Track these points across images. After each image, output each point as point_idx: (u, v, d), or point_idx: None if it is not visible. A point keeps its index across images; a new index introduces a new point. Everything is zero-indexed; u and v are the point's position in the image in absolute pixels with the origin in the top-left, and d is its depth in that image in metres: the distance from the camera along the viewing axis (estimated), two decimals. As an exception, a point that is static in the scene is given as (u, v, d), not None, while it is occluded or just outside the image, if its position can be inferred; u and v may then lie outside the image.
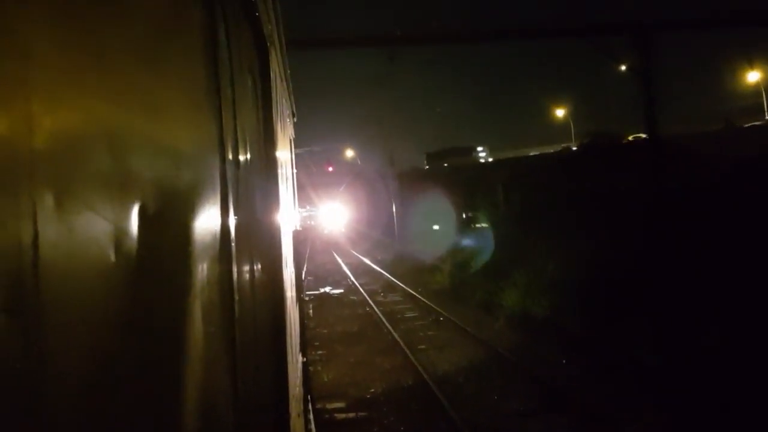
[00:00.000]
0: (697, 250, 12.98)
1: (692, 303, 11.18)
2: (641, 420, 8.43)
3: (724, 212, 13.86)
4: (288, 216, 4.86)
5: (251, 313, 2.24)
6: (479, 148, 64.94)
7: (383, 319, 16.67)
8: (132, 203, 0.92)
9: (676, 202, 16.15)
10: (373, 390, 10.91)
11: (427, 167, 56.07)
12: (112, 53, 0.88)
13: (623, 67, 29.65)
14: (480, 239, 26.95)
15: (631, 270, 13.52)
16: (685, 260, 12.88)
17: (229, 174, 1.82)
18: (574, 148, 41.35)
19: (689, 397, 8.61)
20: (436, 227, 38.26)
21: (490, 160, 54.56)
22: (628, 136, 36.63)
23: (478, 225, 35.23)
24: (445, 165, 51.61)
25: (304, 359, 7.28)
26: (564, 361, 11.29)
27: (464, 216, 39.30)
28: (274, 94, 3.62)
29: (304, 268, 25.96)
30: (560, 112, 52.63)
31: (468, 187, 37.29)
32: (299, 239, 7.11)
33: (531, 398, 9.72)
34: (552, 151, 43.29)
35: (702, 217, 14.20)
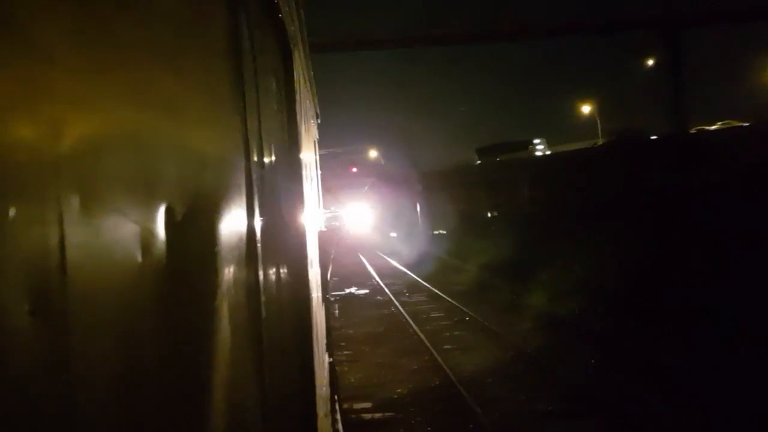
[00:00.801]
0: (727, 249, 12.73)
1: (725, 304, 10.96)
2: (671, 422, 8.29)
3: (756, 210, 13.57)
4: (313, 217, 4.88)
5: (277, 313, 2.25)
6: (536, 141, 58.38)
7: (409, 320, 16.64)
8: (158, 206, 0.92)
9: (705, 200, 15.84)
10: (399, 390, 10.90)
11: (479, 162, 52.47)
12: (136, 56, 0.89)
13: (650, 62, 29.28)
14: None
15: (660, 270, 13.30)
16: (716, 260, 12.63)
17: (254, 175, 1.83)
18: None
19: (721, 399, 8.44)
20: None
21: (548, 153, 50.30)
22: (716, 123, 35.34)
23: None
24: (498, 159, 48.34)
25: (330, 359, 7.31)
26: (593, 362, 11.17)
27: (488, 215, 39.10)
28: (297, 96, 3.64)
29: (329, 269, 26.07)
30: (586, 109, 51.62)
31: (493, 187, 37.06)
32: (324, 240, 7.13)
33: (559, 399, 9.62)
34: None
35: (732, 216, 13.91)
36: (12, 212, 0.54)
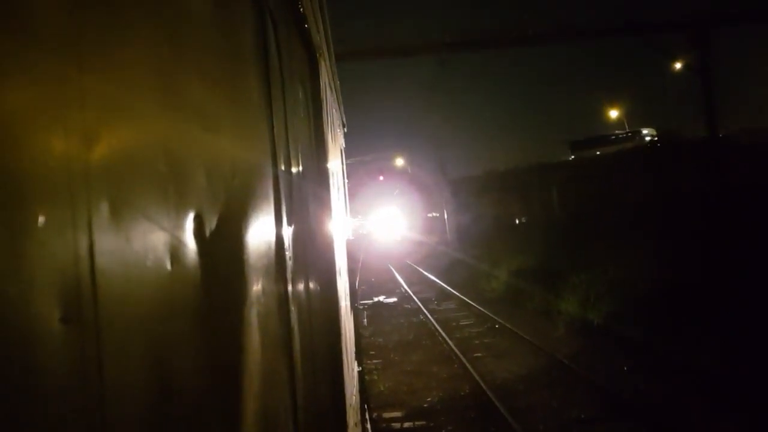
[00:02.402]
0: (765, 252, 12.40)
1: (763, 308, 10.67)
2: (707, 429, 8.08)
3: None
4: (340, 225, 4.88)
5: (307, 322, 2.24)
6: (644, 131, 49.86)
7: (438, 328, 16.56)
8: (187, 213, 0.92)
9: (741, 202, 15.48)
10: (430, 399, 10.84)
11: (573, 157, 46.90)
12: (165, 62, 0.89)
13: (678, 65, 28.82)
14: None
15: (696, 274, 13.01)
16: (753, 263, 12.31)
17: (282, 184, 1.83)
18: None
19: (761, 406, 8.20)
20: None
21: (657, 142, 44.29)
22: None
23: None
24: (598, 153, 43.47)
25: (360, 368, 7.29)
26: (625, 368, 10.96)
27: (516, 221, 38.80)
28: (324, 104, 3.65)
29: (357, 277, 26.10)
30: (614, 113, 50.62)
31: (523, 192, 36.79)
32: (352, 248, 7.14)
33: (592, 406, 9.46)
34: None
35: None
36: (42, 219, 0.54)
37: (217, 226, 1.06)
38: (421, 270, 33.31)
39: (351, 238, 8.53)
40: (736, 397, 8.63)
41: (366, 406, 7.80)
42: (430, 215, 48.86)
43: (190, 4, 1.07)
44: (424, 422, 9.75)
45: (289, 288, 1.79)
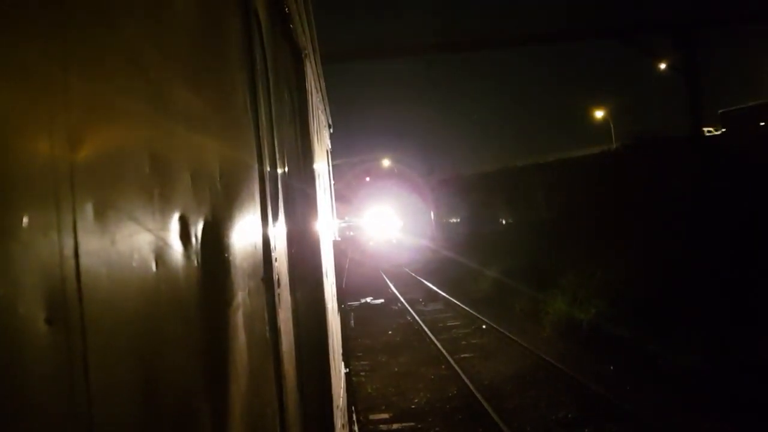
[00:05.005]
0: (753, 254, 12.52)
1: (752, 309, 10.77)
2: (695, 430, 8.15)
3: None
4: (327, 227, 4.88)
5: (293, 323, 2.24)
6: None
7: (425, 329, 16.58)
8: (173, 215, 0.92)
9: (728, 202, 15.63)
10: (417, 400, 10.84)
11: (724, 131, 38.71)
12: (152, 67, 0.89)
13: (663, 66, 29.12)
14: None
15: (684, 276, 13.11)
16: (741, 265, 12.43)
17: (269, 185, 1.83)
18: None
19: (747, 407, 8.29)
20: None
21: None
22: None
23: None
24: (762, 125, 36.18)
25: (347, 370, 7.28)
26: (611, 368, 11.04)
27: (503, 222, 38.96)
28: (309, 106, 3.64)
29: (344, 278, 25.99)
30: (600, 113, 50.85)
31: (508, 191, 36.93)
32: (339, 250, 7.14)
33: (580, 407, 9.51)
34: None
35: (755, 219, 13.71)
36: (27, 220, 0.54)
37: (203, 227, 1.06)
38: (408, 270, 33.35)
39: (338, 239, 8.53)
40: (724, 398, 8.70)
41: (353, 408, 7.79)
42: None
43: (176, 6, 1.07)
44: (412, 424, 9.76)
45: (276, 289, 1.78)
